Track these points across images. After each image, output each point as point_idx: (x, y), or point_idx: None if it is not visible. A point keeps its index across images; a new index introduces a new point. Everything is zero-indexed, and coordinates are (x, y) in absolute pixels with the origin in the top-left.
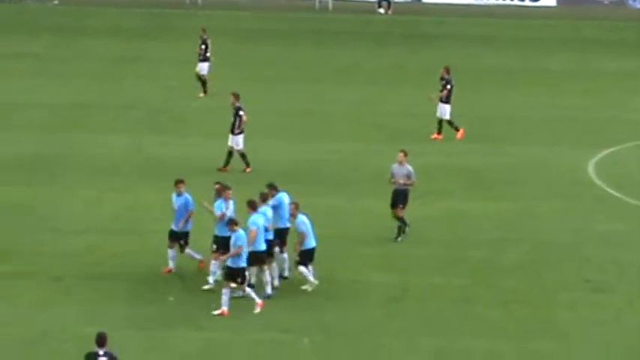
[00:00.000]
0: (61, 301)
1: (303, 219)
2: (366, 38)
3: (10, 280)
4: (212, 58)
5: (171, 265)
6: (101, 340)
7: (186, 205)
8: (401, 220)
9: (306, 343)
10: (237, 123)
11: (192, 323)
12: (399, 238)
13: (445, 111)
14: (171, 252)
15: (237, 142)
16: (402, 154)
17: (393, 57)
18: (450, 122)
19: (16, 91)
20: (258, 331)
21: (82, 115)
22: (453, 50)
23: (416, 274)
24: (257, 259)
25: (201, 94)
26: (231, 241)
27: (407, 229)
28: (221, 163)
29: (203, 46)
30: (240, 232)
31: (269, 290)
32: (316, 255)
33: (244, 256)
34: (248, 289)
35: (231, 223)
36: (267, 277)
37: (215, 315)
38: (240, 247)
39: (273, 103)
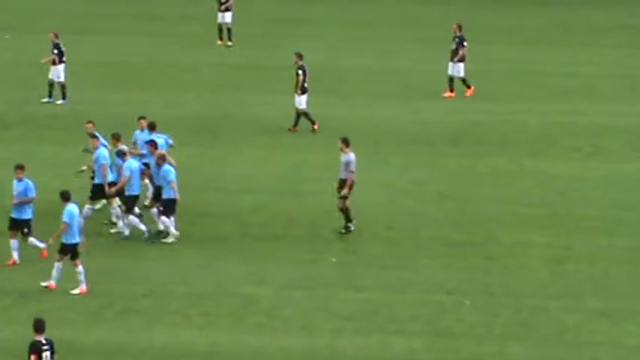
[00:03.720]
0: (225, 261)
1: (169, 169)
2: None
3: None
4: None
5: (15, 255)
6: (41, 327)
7: (25, 191)
8: (342, 210)
9: (468, 305)
10: (298, 82)
11: (353, 284)
12: (344, 230)
13: (460, 69)
14: (13, 242)
15: (300, 101)
16: (339, 142)
17: (554, 16)
18: (463, 80)
19: (179, 54)
20: (420, 292)
21: (245, 76)
22: (616, 9)
23: (580, 235)
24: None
25: (221, 42)
26: None
27: (350, 224)
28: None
29: None
30: None
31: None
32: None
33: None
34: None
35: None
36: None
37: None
38: None
39: (438, 64)
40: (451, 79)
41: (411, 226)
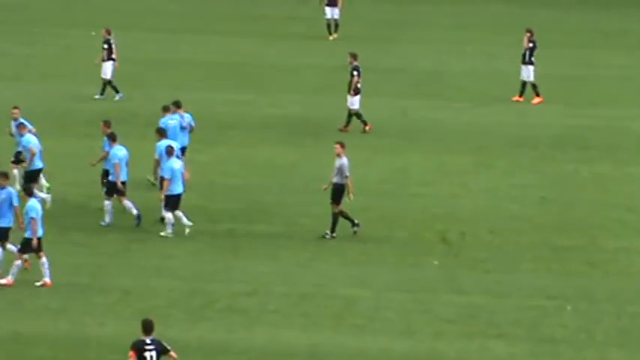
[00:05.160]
0: (327, 262)
1: (171, 165)
2: (635, 3)
3: (275, 239)
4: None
5: None
6: (148, 327)
7: (9, 199)
8: (335, 216)
9: (569, 311)
10: (352, 83)
11: (454, 287)
12: (331, 234)
13: (529, 72)
14: None
15: (353, 102)
16: (338, 146)
17: None
18: (533, 85)
19: (284, 54)
20: (522, 296)
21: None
22: None
23: None
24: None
25: (332, 37)
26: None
27: (354, 227)
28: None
29: None
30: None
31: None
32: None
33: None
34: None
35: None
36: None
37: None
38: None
39: (544, 68)
40: (523, 84)
41: (513, 231)
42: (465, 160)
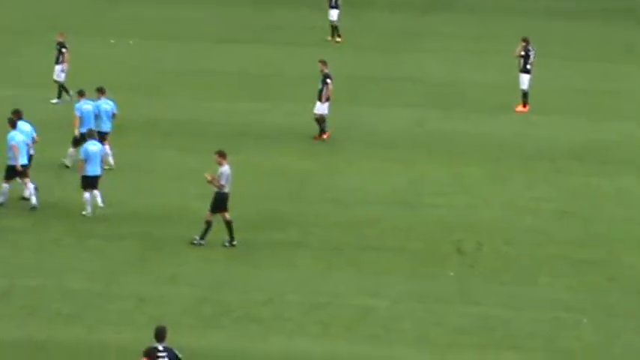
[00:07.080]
0: (341, 271)
1: (87, 148)
2: None
3: (290, 249)
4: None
5: None
6: (161, 335)
7: None
8: (208, 223)
9: (585, 324)
10: (324, 91)
11: (470, 298)
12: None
13: (523, 80)
14: None
15: (322, 108)
16: (215, 156)
17: None
18: (524, 94)
19: (301, 63)
20: (537, 309)
21: (365, 87)
22: None
23: None
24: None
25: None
26: None
27: (198, 240)
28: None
29: None
30: None
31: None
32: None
33: None
34: None
35: None
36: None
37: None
38: None
39: (564, 80)
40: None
41: (530, 243)
42: (481, 172)
